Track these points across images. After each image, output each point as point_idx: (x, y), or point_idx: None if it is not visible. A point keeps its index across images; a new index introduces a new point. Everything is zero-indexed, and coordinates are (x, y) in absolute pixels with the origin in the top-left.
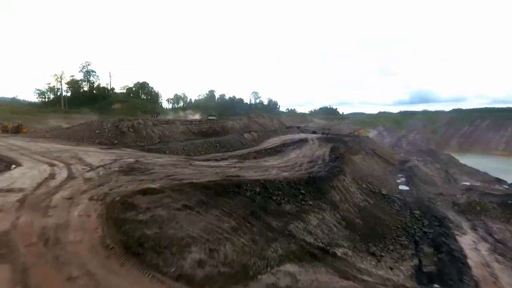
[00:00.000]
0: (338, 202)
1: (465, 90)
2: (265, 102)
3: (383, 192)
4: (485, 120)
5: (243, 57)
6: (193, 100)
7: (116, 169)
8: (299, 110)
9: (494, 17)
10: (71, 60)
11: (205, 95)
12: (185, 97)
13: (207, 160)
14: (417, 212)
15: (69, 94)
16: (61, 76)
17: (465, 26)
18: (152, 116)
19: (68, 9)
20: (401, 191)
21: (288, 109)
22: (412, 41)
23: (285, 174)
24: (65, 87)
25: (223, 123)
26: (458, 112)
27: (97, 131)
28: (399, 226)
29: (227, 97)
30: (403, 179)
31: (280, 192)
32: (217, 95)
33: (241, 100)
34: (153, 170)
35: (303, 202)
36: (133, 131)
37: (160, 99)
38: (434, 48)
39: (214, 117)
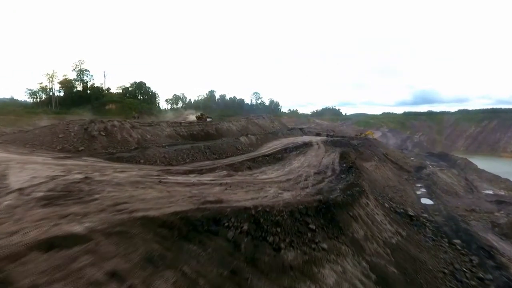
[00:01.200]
0: (363, 240)
1: (469, 90)
2: (267, 103)
3: (410, 213)
4: (492, 120)
5: (244, 57)
6: (192, 101)
7: (40, 194)
8: (301, 111)
9: (496, 17)
10: (70, 59)
11: (205, 96)
12: (184, 97)
13: (188, 172)
14: (457, 241)
15: (62, 94)
16: (52, 75)
17: (467, 25)
18: (132, 117)
19: (68, 8)
20: (426, 208)
21: (290, 109)
22: (414, 41)
23: (286, 195)
24: (57, 86)
25: (218, 124)
26: (463, 112)
27: (61, 135)
28: (445, 270)
29: (227, 97)
30: (423, 189)
31: (279, 230)
32: (217, 96)
33: (242, 101)
34: (98, 195)
35: (313, 245)
36: (106, 135)
37: (157, 99)
38: (436, 48)
39: (210, 118)
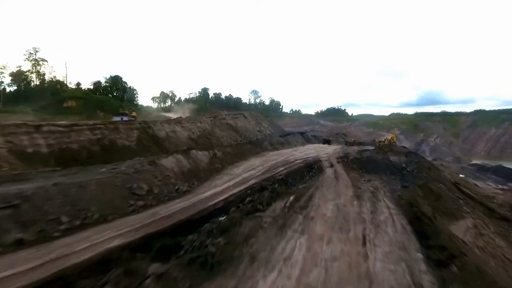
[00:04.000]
0: None
1: (475, 91)
2: (267, 102)
3: None
4: None
5: (243, 54)
6: (182, 99)
7: None
8: (305, 111)
9: (502, 17)
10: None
11: (197, 94)
12: (174, 95)
13: None
14: None
15: (14, 88)
16: None
17: (473, 26)
18: None
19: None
20: None
21: (292, 110)
22: (419, 42)
23: None
24: (9, 79)
25: (149, 128)
26: (480, 113)
27: None
28: None
29: (223, 96)
30: None
31: None
32: (211, 94)
33: (238, 99)
34: None
35: None
36: None
37: (136, 96)
38: (442, 49)
39: (129, 118)
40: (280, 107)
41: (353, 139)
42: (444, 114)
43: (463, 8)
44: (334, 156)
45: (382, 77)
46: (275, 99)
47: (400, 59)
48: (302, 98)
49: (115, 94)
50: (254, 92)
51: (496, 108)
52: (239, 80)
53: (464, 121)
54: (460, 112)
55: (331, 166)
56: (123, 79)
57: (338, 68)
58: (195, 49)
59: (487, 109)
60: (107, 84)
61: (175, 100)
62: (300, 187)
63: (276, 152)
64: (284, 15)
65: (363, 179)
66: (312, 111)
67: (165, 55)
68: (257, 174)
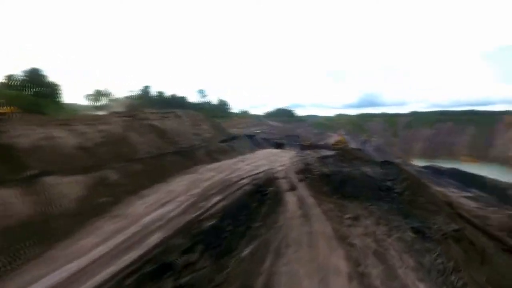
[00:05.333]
0: None
1: (408, 94)
2: (215, 102)
3: None
4: (446, 122)
5: (191, 54)
6: (121, 97)
7: None
8: (255, 112)
9: (431, 25)
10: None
11: (138, 92)
12: (109, 92)
13: None
14: None
15: None
16: None
17: (409, 36)
18: None
19: None
20: None
21: (241, 110)
22: (359, 46)
23: None
24: None
25: (3, 135)
26: (416, 115)
27: None
28: None
29: (167, 94)
30: None
31: None
32: (154, 92)
33: (182, 99)
34: None
35: None
36: None
37: (59, 93)
38: (379, 54)
39: None
40: (228, 107)
41: (309, 142)
42: (383, 115)
43: (397, 15)
44: (292, 169)
45: (326, 79)
46: (223, 99)
47: (342, 62)
48: (251, 98)
49: (35, 89)
50: (201, 91)
51: (427, 110)
52: (186, 80)
53: (401, 122)
54: (398, 113)
55: (292, 188)
56: (44, 73)
57: (285, 69)
58: (138, 47)
59: (419, 110)
60: (26, 78)
61: (110, 98)
62: (243, 253)
63: (214, 165)
64: (233, 16)
65: (346, 215)
66: (260, 112)
67: (104, 52)
68: (173, 214)
